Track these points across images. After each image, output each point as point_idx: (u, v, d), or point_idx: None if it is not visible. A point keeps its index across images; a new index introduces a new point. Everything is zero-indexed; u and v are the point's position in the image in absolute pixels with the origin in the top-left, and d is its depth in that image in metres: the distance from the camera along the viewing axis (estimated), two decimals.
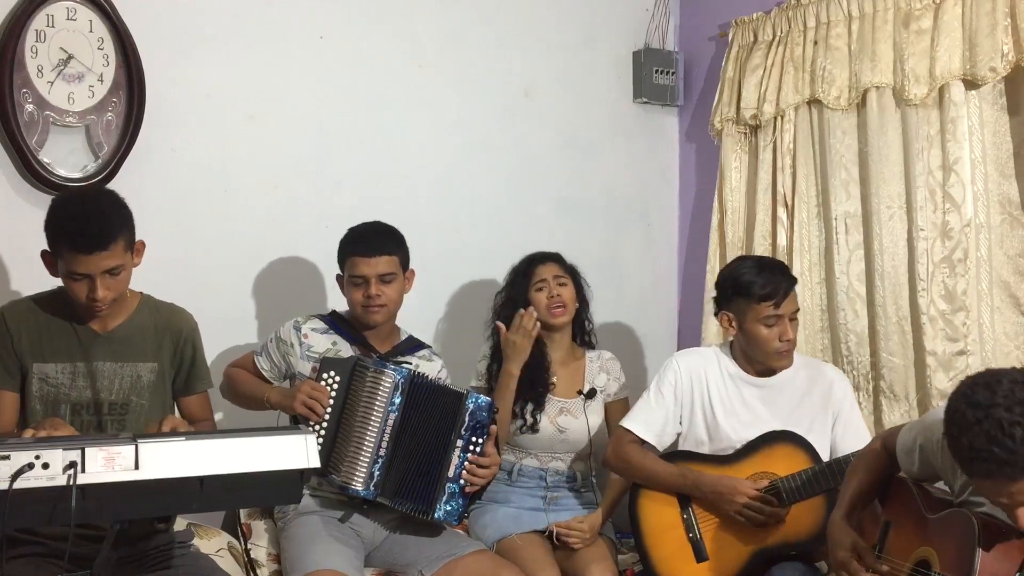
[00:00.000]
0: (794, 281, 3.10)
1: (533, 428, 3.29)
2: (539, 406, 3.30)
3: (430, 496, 2.94)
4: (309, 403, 2.90)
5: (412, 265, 3.17)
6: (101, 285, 2.46)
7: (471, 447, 2.97)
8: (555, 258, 3.43)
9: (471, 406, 2.96)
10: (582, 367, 3.43)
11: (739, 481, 2.97)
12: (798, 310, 3.14)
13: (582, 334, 3.49)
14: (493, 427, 3.01)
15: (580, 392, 3.36)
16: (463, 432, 2.96)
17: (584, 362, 3.44)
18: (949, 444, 2.12)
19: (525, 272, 3.39)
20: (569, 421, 3.33)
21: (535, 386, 3.31)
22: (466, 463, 2.96)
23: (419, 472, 2.95)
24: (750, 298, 3.02)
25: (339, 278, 3.18)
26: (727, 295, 3.09)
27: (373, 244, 3.07)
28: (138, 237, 2.58)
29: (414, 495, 2.95)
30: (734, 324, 3.08)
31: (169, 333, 2.70)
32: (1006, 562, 2.24)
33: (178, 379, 2.73)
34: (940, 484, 2.53)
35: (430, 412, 2.96)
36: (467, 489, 2.98)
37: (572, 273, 3.43)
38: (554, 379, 3.36)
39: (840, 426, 3.08)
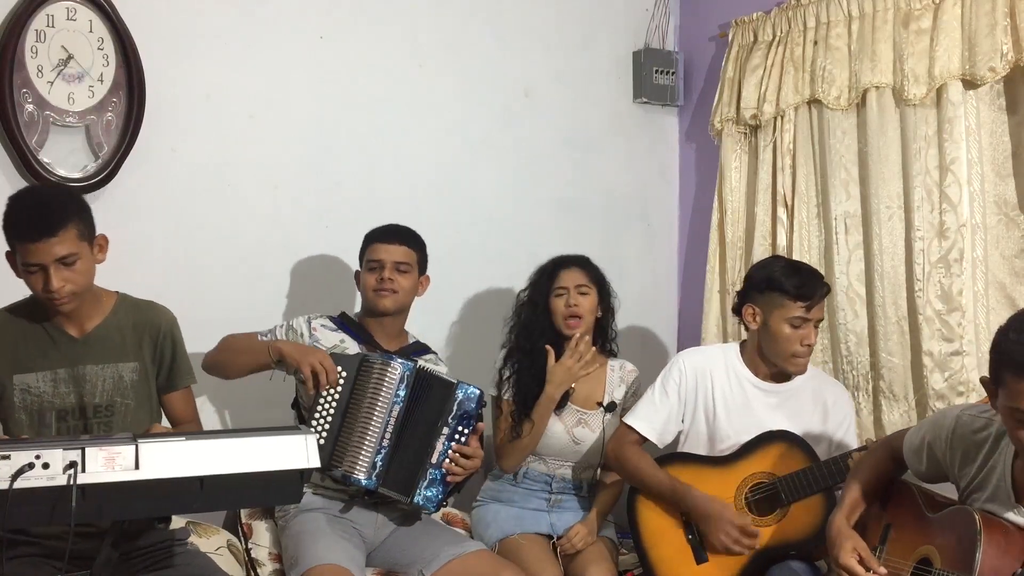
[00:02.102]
0: (828, 289, 3.10)
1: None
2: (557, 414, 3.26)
3: (411, 480, 2.94)
4: (318, 369, 2.87)
5: None
6: (56, 276, 2.43)
7: (456, 436, 2.98)
8: (581, 263, 3.34)
9: (460, 395, 2.98)
10: (603, 376, 3.36)
11: (725, 509, 2.95)
12: (822, 319, 3.14)
13: (604, 342, 3.41)
14: (480, 424, 3.02)
15: (600, 404, 3.31)
16: (450, 420, 2.97)
17: (605, 371, 3.37)
18: (995, 349, 2.16)
19: (550, 275, 3.32)
20: (585, 433, 3.28)
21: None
22: (450, 451, 2.97)
23: (411, 460, 2.95)
24: (784, 294, 2.99)
25: (357, 274, 3.20)
26: (758, 288, 3.06)
27: (394, 234, 3.14)
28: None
29: (399, 480, 2.95)
30: (758, 319, 3.06)
31: (148, 330, 2.67)
32: (1007, 557, 2.25)
33: (160, 376, 2.71)
34: (945, 486, 2.54)
35: (425, 402, 2.97)
36: (448, 478, 2.98)
37: (598, 281, 3.34)
38: (572, 385, 3.31)
39: (835, 448, 3.07)
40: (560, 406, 3.26)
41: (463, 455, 2.99)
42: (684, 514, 3.03)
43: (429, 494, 2.96)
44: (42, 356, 2.55)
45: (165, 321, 2.71)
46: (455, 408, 2.98)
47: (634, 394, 3.36)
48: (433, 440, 2.96)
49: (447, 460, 2.97)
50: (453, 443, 2.98)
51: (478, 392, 3.02)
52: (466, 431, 3.00)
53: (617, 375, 3.38)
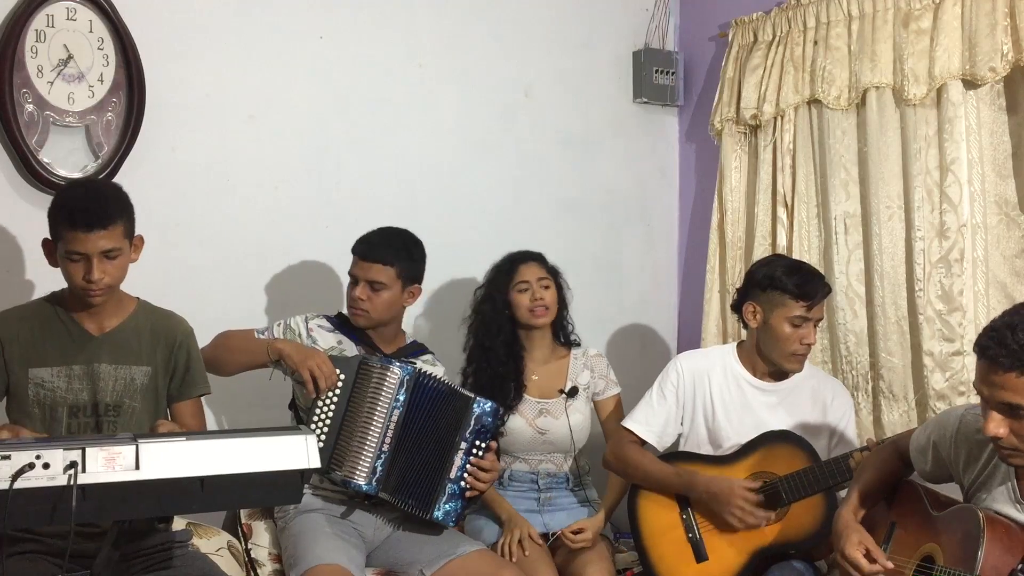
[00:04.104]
0: (829, 290, 3.12)
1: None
2: (508, 409, 3.26)
3: (430, 495, 2.95)
4: (317, 372, 2.87)
5: None
6: (98, 267, 2.48)
7: (474, 450, 2.98)
8: (538, 259, 3.39)
9: (477, 410, 2.98)
10: (565, 365, 3.39)
11: (734, 482, 2.97)
12: (822, 319, 3.15)
13: (563, 334, 3.44)
14: (494, 443, 3.02)
15: (561, 391, 3.33)
16: (467, 435, 2.97)
17: (568, 360, 3.41)
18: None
19: (508, 271, 3.35)
20: (549, 422, 3.29)
21: (505, 390, 3.25)
22: (468, 466, 2.97)
23: (421, 470, 2.95)
24: (786, 293, 3.00)
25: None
26: (760, 286, 3.06)
27: (371, 249, 3.06)
28: (137, 235, 2.59)
29: (415, 493, 2.95)
30: (758, 317, 3.07)
31: (164, 338, 2.69)
32: (1009, 555, 2.25)
33: (173, 384, 2.72)
34: (951, 487, 2.54)
35: (436, 412, 2.97)
36: (468, 493, 2.98)
37: (554, 274, 3.39)
38: (534, 376, 3.33)
39: (835, 442, 3.09)
40: (517, 399, 3.28)
41: (481, 469, 2.99)
42: (695, 501, 3.03)
43: (448, 508, 2.96)
44: (59, 351, 2.57)
45: (182, 331, 2.73)
46: (472, 423, 2.97)
47: (604, 375, 3.39)
48: (451, 455, 2.96)
49: (465, 475, 2.97)
50: (471, 458, 2.98)
51: (495, 407, 3.02)
52: (483, 445, 2.99)
53: (580, 362, 3.41)
